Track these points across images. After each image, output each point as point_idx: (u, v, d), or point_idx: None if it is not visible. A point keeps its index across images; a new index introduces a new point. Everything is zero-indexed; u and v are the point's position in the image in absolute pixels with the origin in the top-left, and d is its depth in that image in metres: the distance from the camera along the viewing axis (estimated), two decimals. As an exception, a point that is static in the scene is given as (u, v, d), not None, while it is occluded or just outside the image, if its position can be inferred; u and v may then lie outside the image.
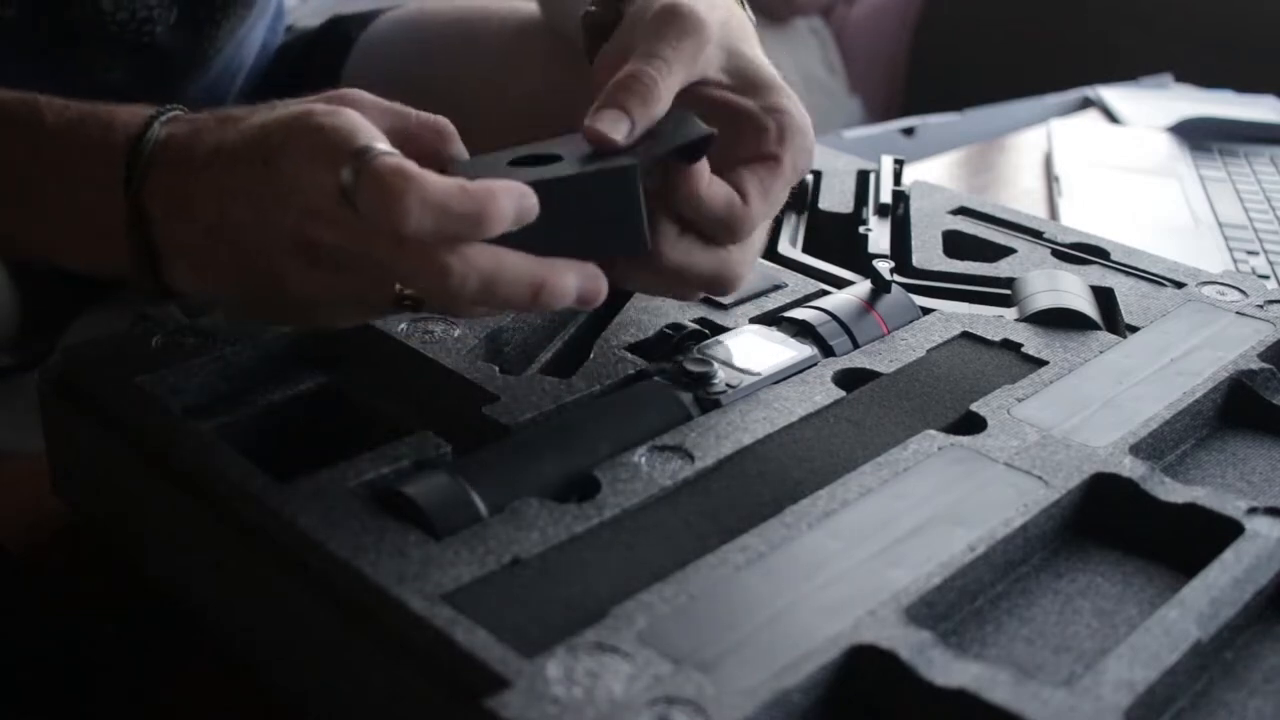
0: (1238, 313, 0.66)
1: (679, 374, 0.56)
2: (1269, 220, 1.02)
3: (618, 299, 0.63)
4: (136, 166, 0.51)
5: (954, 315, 0.64)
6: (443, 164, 0.52)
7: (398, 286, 0.47)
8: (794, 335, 0.60)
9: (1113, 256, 0.72)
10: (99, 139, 0.52)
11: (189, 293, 0.53)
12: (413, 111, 0.53)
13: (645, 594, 0.43)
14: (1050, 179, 1.12)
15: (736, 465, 0.51)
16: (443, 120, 0.53)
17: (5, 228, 0.56)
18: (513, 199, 0.47)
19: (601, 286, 0.50)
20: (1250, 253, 0.95)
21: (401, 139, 0.50)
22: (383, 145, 0.46)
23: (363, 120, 0.48)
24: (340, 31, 0.96)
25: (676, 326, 0.60)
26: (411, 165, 0.45)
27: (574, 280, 0.48)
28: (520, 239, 0.51)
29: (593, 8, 0.67)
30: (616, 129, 0.52)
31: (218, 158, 0.50)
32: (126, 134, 0.52)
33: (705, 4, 0.58)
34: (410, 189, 0.44)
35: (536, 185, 0.51)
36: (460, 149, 0.53)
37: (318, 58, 0.95)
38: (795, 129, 0.58)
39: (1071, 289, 0.66)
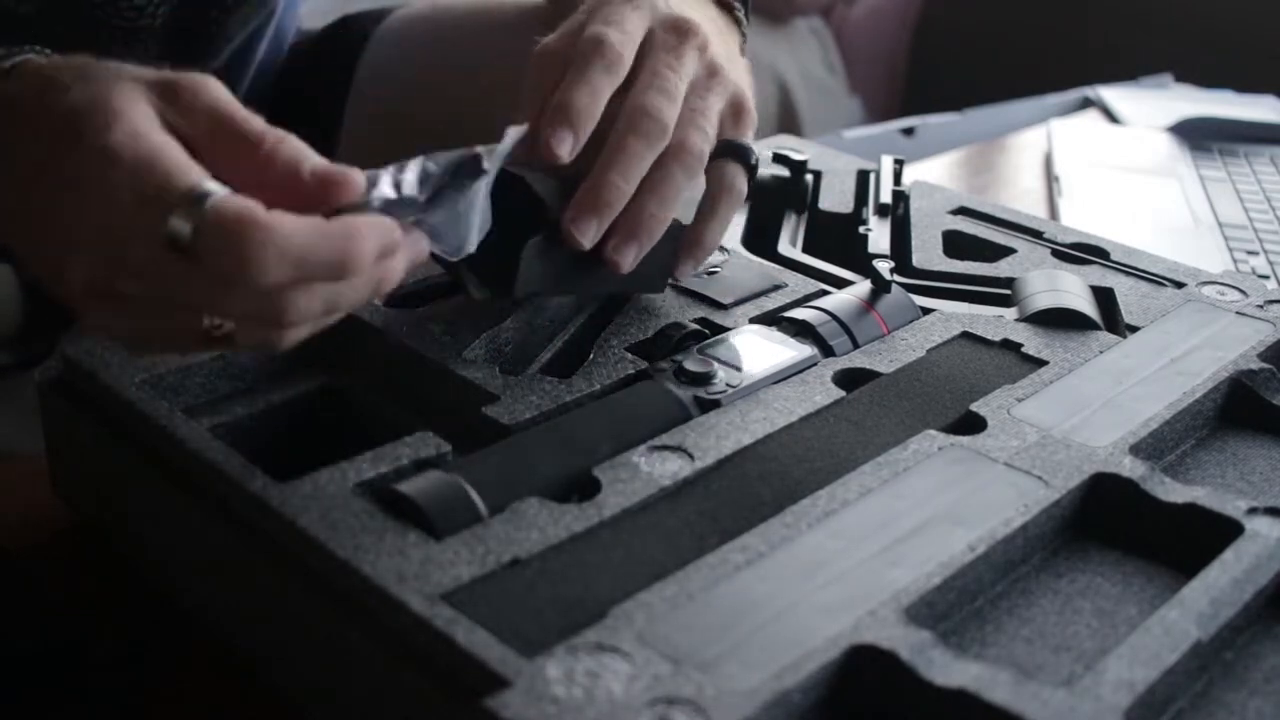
0: (1238, 313, 0.66)
1: (679, 374, 0.56)
2: (1269, 220, 1.02)
3: (618, 299, 0.63)
4: None
5: (954, 315, 0.64)
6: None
7: (207, 323, 0.44)
8: (794, 335, 0.60)
9: (1113, 256, 0.72)
10: None
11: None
12: (255, 129, 0.45)
13: (645, 594, 0.43)
14: (1050, 179, 1.12)
15: (736, 465, 0.51)
16: (332, 174, 0.44)
17: None
18: (377, 236, 0.43)
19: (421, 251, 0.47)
20: (1250, 253, 0.95)
21: (222, 151, 0.45)
22: (213, 184, 0.42)
23: (177, 151, 0.43)
24: (352, 29, 0.97)
25: (676, 326, 0.60)
26: (258, 209, 0.41)
27: (403, 261, 0.46)
28: (568, 262, 0.57)
29: None
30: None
31: (25, 132, 0.45)
32: None
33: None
34: (265, 238, 0.40)
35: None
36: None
37: (330, 55, 0.95)
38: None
39: (1071, 289, 0.66)
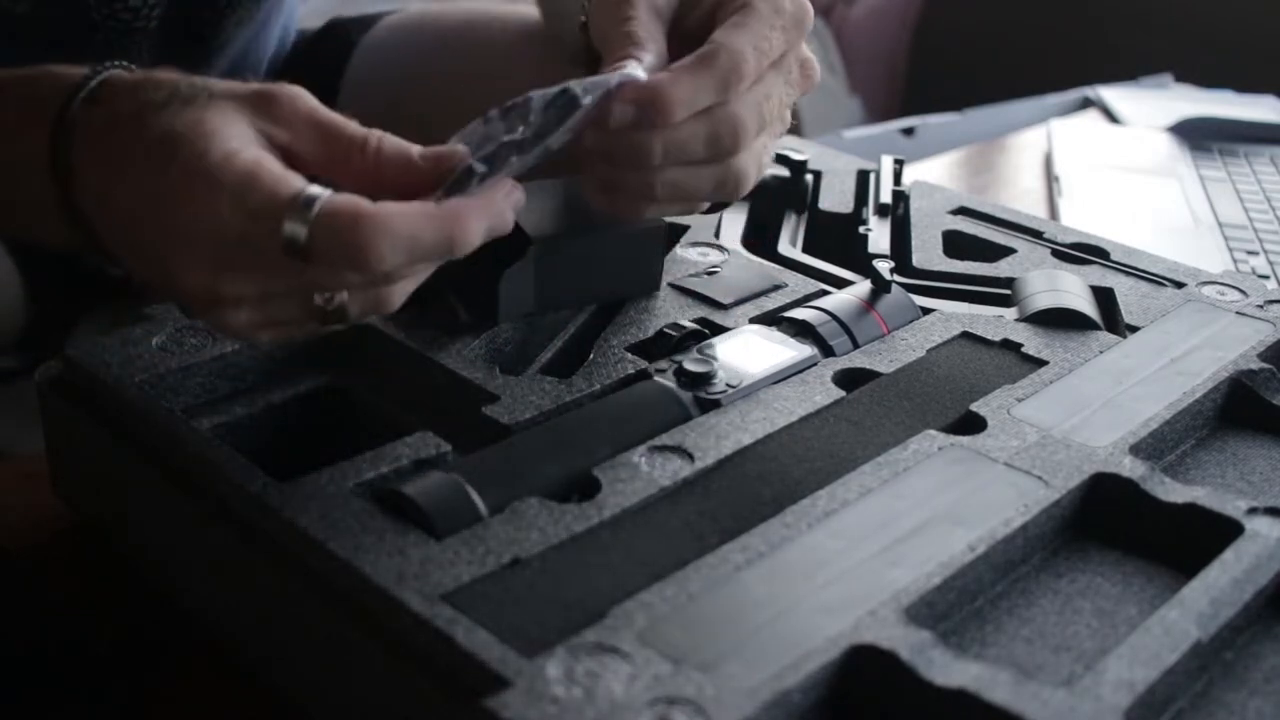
0: (1238, 313, 0.66)
1: (679, 374, 0.56)
2: (1269, 220, 1.02)
3: (618, 300, 0.63)
4: (59, 152, 0.49)
5: (954, 315, 0.64)
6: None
7: (319, 300, 0.46)
8: (794, 335, 0.60)
9: (1113, 256, 0.72)
10: (29, 108, 0.50)
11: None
12: (357, 132, 0.48)
13: (645, 594, 0.43)
14: (1050, 179, 1.12)
15: (736, 465, 0.51)
16: (409, 155, 0.48)
17: None
18: (485, 217, 0.46)
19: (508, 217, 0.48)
20: (1250, 253, 0.95)
21: (329, 158, 0.48)
22: (315, 187, 0.44)
23: (273, 163, 0.45)
24: (341, 35, 0.96)
25: (676, 326, 0.60)
26: (364, 203, 0.43)
27: (481, 216, 0.47)
28: (551, 282, 0.60)
29: (584, 18, 0.68)
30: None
31: (128, 155, 0.47)
32: (50, 110, 0.49)
33: None
34: (376, 229, 0.43)
35: (579, 241, 0.60)
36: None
37: (318, 60, 0.95)
38: None
39: (1071, 289, 0.66)
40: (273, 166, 0.45)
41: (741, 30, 0.56)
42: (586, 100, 0.51)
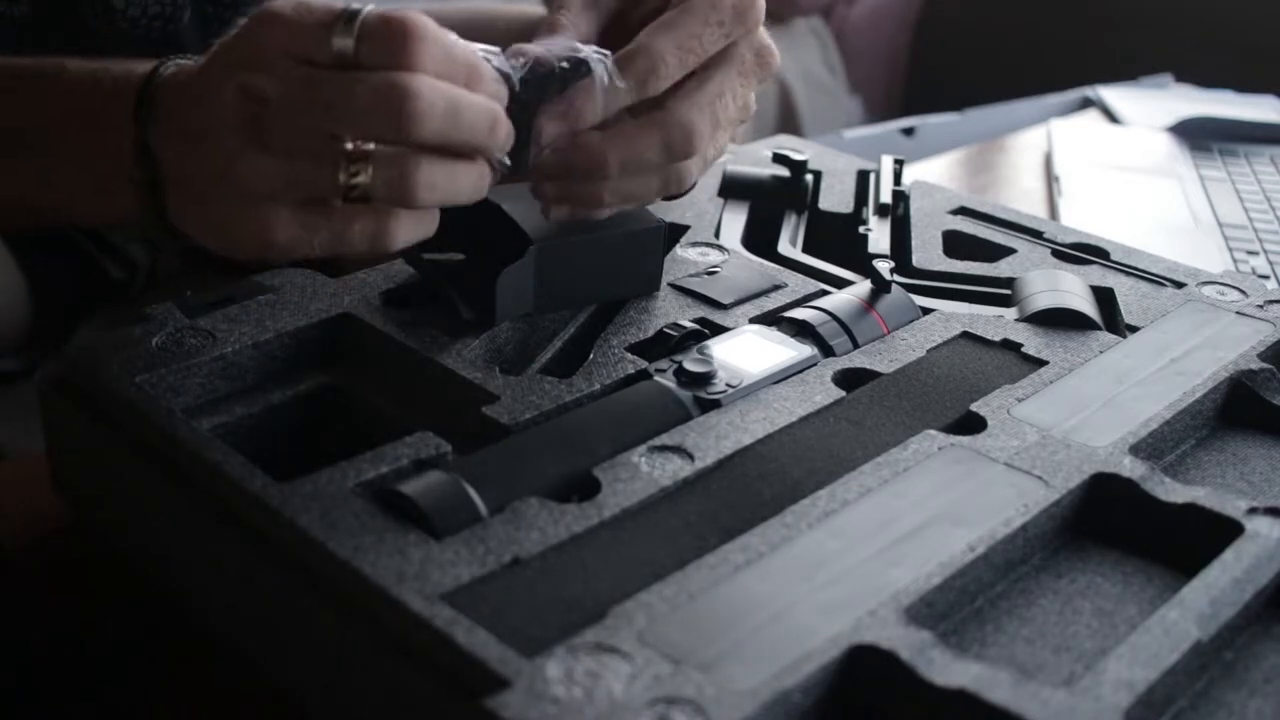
0: (1238, 313, 0.66)
1: (679, 374, 0.56)
2: (1269, 220, 1.02)
3: (618, 300, 0.63)
4: (144, 102, 0.54)
5: (954, 315, 0.64)
6: None
7: (343, 178, 0.48)
8: (794, 335, 0.60)
9: (1113, 256, 0.72)
10: (112, 85, 0.56)
11: (188, 233, 0.55)
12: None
13: (645, 594, 0.43)
14: (1050, 179, 1.12)
15: (736, 465, 0.51)
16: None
17: (19, 187, 0.59)
18: (495, 78, 0.52)
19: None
20: (1250, 253, 0.95)
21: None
22: (358, 5, 0.48)
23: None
24: None
25: (676, 326, 0.60)
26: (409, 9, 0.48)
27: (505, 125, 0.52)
28: (550, 282, 0.60)
29: None
30: None
31: (202, 73, 0.52)
32: (140, 74, 0.55)
33: None
34: (420, 24, 0.47)
35: (579, 241, 0.60)
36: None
37: None
38: None
39: (1071, 289, 0.66)
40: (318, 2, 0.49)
41: (666, 30, 0.57)
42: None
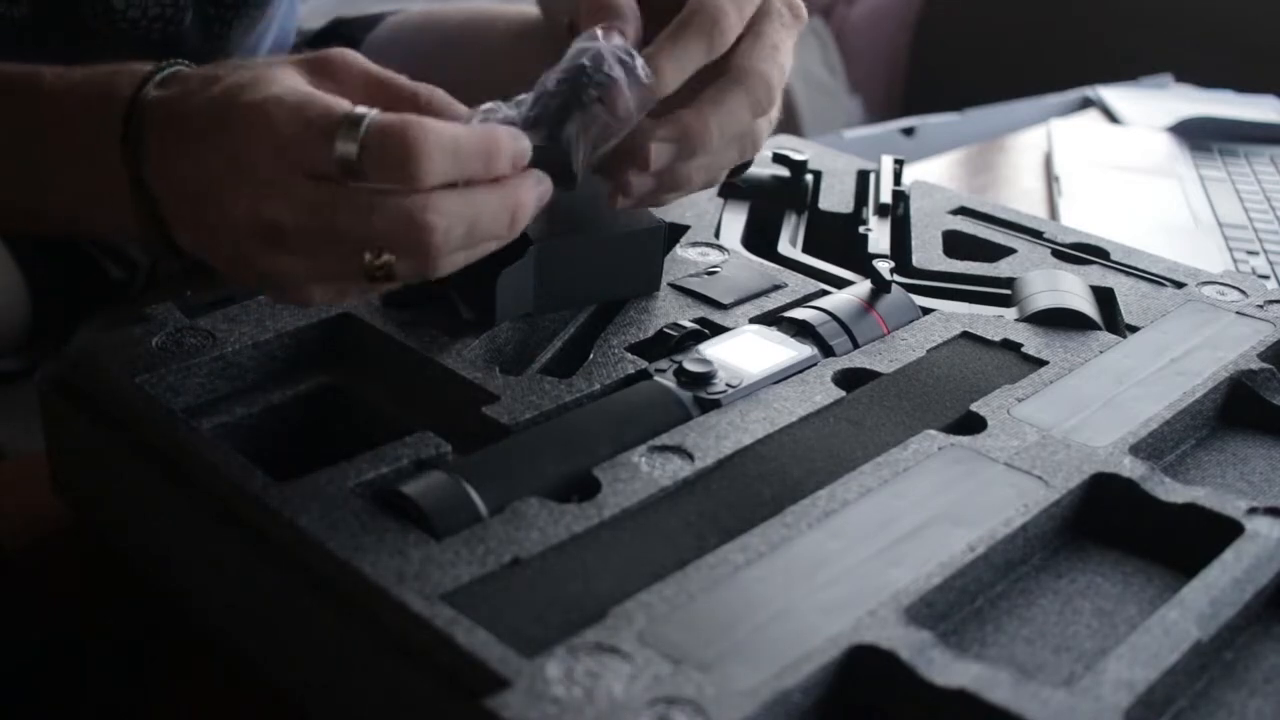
0: (1238, 313, 0.66)
1: (679, 374, 0.56)
2: (1269, 220, 1.02)
3: (618, 300, 0.63)
4: (131, 133, 0.51)
5: (954, 315, 0.64)
6: None
7: (368, 258, 0.47)
8: (794, 335, 0.60)
9: (1113, 256, 0.72)
10: (99, 101, 0.53)
11: (194, 254, 0.53)
12: (409, 85, 0.51)
13: (645, 594, 0.43)
14: (1050, 179, 1.12)
15: (736, 465, 0.51)
16: (439, 97, 0.51)
17: (23, 200, 0.57)
18: (511, 136, 0.49)
19: (547, 186, 0.51)
20: (1250, 253, 0.95)
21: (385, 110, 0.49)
22: (363, 108, 0.46)
23: (323, 94, 0.48)
24: (344, 35, 0.96)
25: (676, 326, 0.60)
26: (411, 115, 0.46)
27: (534, 189, 0.50)
28: (550, 282, 0.60)
29: None
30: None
31: (193, 124, 0.49)
32: (122, 96, 0.52)
33: None
34: (424, 132, 0.45)
35: (579, 241, 0.60)
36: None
37: None
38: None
39: (1071, 289, 0.66)
40: (325, 95, 0.48)
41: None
42: (602, 72, 0.53)
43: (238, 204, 0.47)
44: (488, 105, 0.52)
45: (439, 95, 0.50)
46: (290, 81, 0.49)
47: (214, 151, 0.48)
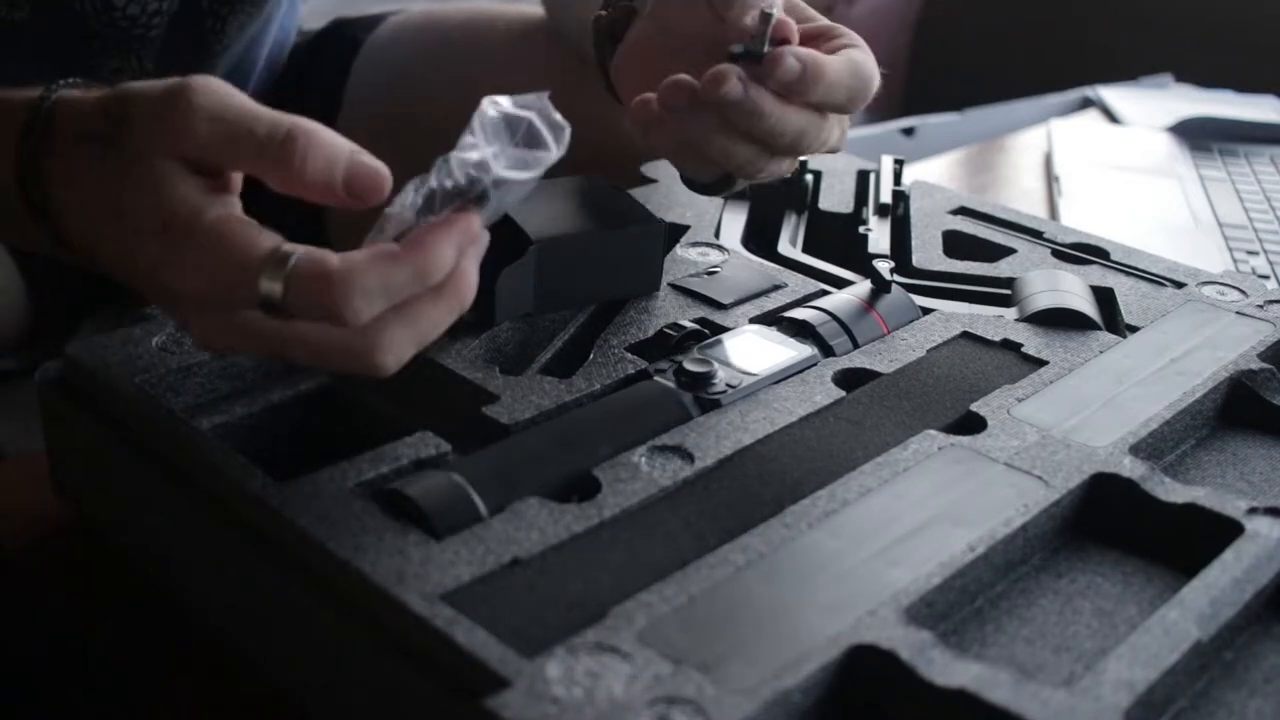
0: (1238, 313, 0.66)
1: (679, 374, 0.56)
2: (1269, 220, 1.02)
3: (618, 300, 0.63)
4: (32, 189, 0.49)
5: (954, 315, 0.64)
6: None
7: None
8: (794, 335, 0.60)
9: (1113, 256, 0.72)
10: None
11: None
12: (262, 131, 0.45)
13: (645, 594, 0.43)
14: (1050, 179, 1.12)
15: (736, 465, 0.51)
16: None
17: None
18: (452, 241, 0.44)
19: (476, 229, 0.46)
20: (1250, 253, 0.95)
21: (238, 151, 0.46)
22: (289, 245, 0.44)
23: (239, 224, 0.44)
24: (345, 35, 0.96)
25: (676, 326, 0.60)
26: (331, 259, 0.43)
27: (472, 259, 0.46)
28: (550, 282, 0.60)
29: (603, 11, 0.67)
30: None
31: (105, 224, 0.47)
32: (10, 142, 0.49)
33: None
34: (345, 283, 0.42)
35: (579, 240, 0.60)
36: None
37: (322, 60, 0.95)
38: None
39: (1071, 289, 0.66)
40: (239, 228, 0.44)
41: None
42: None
43: (180, 316, 0.46)
44: (414, 182, 0.45)
45: (313, 154, 0.45)
46: (176, 194, 0.45)
47: (131, 265, 0.46)
